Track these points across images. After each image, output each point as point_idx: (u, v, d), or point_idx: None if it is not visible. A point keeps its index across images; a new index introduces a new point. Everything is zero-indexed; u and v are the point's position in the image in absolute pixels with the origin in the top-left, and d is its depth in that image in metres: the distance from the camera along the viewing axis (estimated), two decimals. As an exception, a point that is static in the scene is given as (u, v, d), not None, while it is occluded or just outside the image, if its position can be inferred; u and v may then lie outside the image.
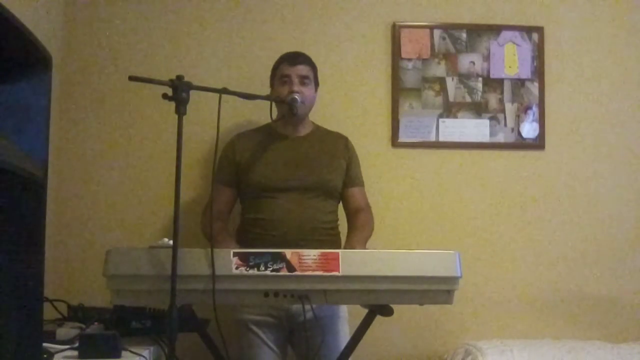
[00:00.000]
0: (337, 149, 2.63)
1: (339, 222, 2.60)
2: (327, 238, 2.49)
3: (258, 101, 2.38)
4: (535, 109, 3.06)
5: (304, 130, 2.62)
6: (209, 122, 2.72)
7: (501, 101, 3.06)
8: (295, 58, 2.56)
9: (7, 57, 1.23)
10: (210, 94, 1.99)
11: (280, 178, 2.48)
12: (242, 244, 2.45)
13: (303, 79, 2.52)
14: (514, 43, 3.07)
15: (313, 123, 2.67)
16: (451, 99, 3.04)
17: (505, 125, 3.05)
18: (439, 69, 3.04)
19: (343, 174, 2.59)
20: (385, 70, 3.03)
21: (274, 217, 2.44)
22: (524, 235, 3.04)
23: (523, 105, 3.07)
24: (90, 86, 2.92)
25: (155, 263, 1.81)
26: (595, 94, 3.11)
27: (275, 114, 2.57)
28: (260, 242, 2.40)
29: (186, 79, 1.84)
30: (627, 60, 3.13)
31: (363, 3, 3.05)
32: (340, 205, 2.64)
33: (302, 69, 2.54)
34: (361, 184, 2.65)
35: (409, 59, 3.03)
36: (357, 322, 2.20)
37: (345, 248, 2.39)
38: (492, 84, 3.06)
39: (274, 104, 2.51)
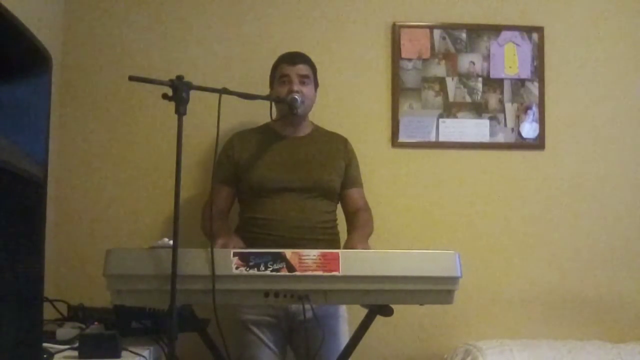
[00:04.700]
0: (336, 150, 2.62)
1: (337, 222, 2.60)
2: (326, 238, 2.49)
3: (258, 101, 2.38)
4: (535, 109, 3.06)
5: (303, 131, 2.62)
6: (209, 122, 2.72)
7: (501, 101, 3.06)
8: (294, 58, 2.56)
9: (7, 57, 1.23)
10: (210, 94, 2.00)
11: (279, 179, 2.48)
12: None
13: (303, 79, 2.52)
14: (514, 43, 3.07)
15: (313, 123, 2.67)
16: (451, 99, 3.04)
17: (505, 125, 3.05)
18: (439, 69, 3.04)
19: (342, 175, 2.59)
20: (385, 70, 3.03)
21: (272, 217, 2.44)
22: (524, 235, 3.03)
23: (523, 105, 3.07)
24: (90, 86, 2.92)
25: (155, 263, 1.81)
26: (595, 93, 3.11)
27: (275, 114, 2.58)
28: (258, 242, 2.39)
29: (186, 79, 1.84)
30: (627, 59, 3.13)
31: (363, 3, 3.05)
32: (339, 206, 2.63)
33: (302, 69, 2.53)
34: (360, 185, 2.65)
35: (409, 59, 3.03)
36: (357, 322, 2.20)
37: (346, 246, 2.38)
38: (492, 84, 3.06)
39: (274, 104, 2.51)
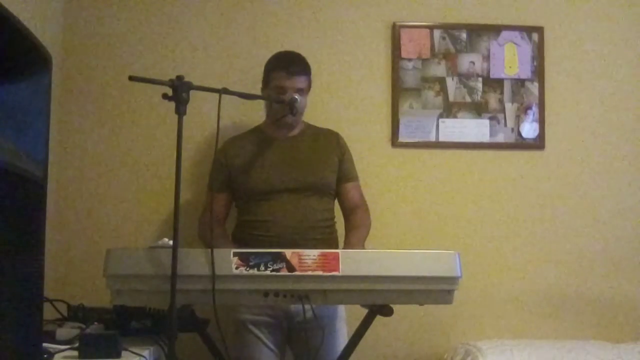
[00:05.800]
0: (328, 147, 2.61)
1: (335, 220, 2.59)
2: (324, 237, 2.49)
3: (257, 101, 2.38)
4: (535, 109, 3.06)
5: (294, 130, 2.61)
6: (209, 122, 2.74)
7: (501, 101, 3.06)
8: (291, 67, 2.49)
9: (7, 57, 1.23)
10: (210, 93, 2.00)
11: (274, 180, 2.48)
12: (238, 246, 2.44)
13: (299, 92, 2.48)
14: (514, 43, 3.07)
15: (303, 122, 2.65)
16: (451, 99, 3.04)
17: (505, 125, 3.05)
18: (439, 69, 3.04)
19: (336, 171, 2.58)
20: (385, 70, 3.03)
21: (269, 219, 2.44)
22: (524, 235, 3.03)
23: (523, 105, 3.07)
24: (90, 86, 2.92)
25: (155, 263, 1.81)
26: (595, 94, 3.10)
27: (273, 114, 2.57)
28: (257, 243, 2.39)
29: (186, 79, 1.84)
30: (627, 59, 3.12)
31: (363, 3, 3.04)
32: (337, 201, 2.63)
33: (299, 82, 2.48)
34: (355, 178, 2.63)
35: (409, 59, 3.03)
36: (357, 322, 2.20)
37: (344, 249, 2.38)
38: (492, 84, 3.06)
39: (267, 105, 2.50)
